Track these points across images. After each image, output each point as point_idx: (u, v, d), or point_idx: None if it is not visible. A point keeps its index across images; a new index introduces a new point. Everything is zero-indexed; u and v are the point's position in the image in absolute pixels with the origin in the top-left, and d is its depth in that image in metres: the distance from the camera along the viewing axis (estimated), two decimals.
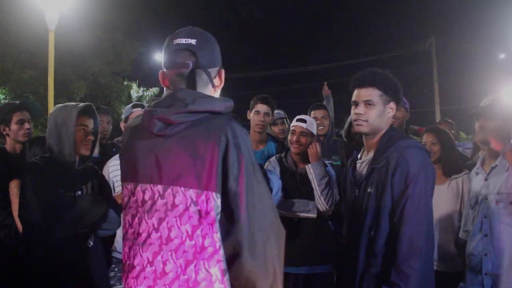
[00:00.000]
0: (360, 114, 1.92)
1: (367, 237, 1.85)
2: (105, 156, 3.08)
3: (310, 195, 2.88)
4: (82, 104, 2.28)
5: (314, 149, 2.91)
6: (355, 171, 2.04)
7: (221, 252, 1.21)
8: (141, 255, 1.26)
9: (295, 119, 3.05)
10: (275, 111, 3.79)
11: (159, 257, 1.23)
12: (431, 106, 18.44)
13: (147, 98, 15.78)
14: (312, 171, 2.85)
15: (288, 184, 2.93)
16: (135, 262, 1.27)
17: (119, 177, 2.71)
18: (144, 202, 1.27)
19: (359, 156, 2.08)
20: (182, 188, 1.21)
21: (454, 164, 2.98)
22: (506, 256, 2.29)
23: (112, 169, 2.80)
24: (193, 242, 1.20)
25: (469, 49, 18.14)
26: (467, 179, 2.91)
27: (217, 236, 1.21)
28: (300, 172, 2.95)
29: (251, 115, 3.36)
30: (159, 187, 1.25)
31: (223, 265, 1.21)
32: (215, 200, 1.21)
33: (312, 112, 3.77)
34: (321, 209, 2.82)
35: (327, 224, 2.95)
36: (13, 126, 2.71)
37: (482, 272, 2.34)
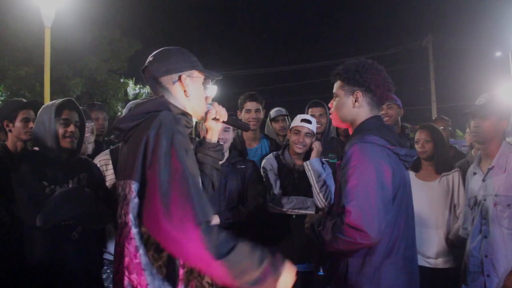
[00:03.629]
0: (329, 107, 2.00)
1: None
2: (98, 153, 3.07)
3: (307, 192, 2.89)
4: (61, 99, 2.37)
5: (317, 147, 2.92)
6: None
7: (133, 231, 1.42)
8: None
9: (298, 119, 3.02)
10: (276, 108, 3.79)
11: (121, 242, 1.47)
12: (427, 103, 18.50)
13: (144, 96, 15.75)
14: (310, 168, 2.86)
15: (285, 182, 2.94)
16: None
17: (107, 172, 2.74)
18: (118, 195, 1.53)
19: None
20: (123, 181, 1.47)
21: (445, 161, 3.01)
22: (506, 258, 2.29)
23: (100, 164, 2.79)
24: (129, 225, 1.44)
25: (466, 47, 18.19)
26: (457, 176, 2.94)
27: (129, 216, 1.42)
28: (298, 169, 2.96)
29: (241, 114, 3.37)
30: (120, 182, 1.51)
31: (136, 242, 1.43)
32: (132, 187, 1.41)
33: (310, 110, 3.77)
34: (320, 206, 2.83)
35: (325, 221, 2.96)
36: (17, 124, 2.72)
37: (484, 274, 2.33)
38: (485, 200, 2.39)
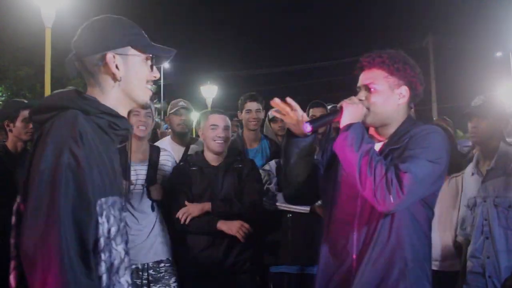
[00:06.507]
0: (361, 99, 1.61)
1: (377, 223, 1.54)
2: None
3: None
4: None
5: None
6: None
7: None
8: None
9: None
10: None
11: None
12: (428, 104, 18.48)
13: None
14: None
15: None
16: None
17: None
18: None
19: None
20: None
21: (455, 162, 2.97)
22: (508, 260, 2.29)
23: None
24: None
25: (466, 47, 18.19)
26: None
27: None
28: None
29: (242, 115, 3.37)
30: None
31: None
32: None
33: (311, 110, 3.77)
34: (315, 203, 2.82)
35: (320, 222, 2.96)
36: (18, 124, 2.72)
37: (486, 275, 2.32)
38: (485, 201, 2.39)
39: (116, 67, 1.25)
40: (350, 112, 1.55)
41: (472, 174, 2.53)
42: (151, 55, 1.30)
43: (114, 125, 1.26)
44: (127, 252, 1.24)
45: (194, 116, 3.68)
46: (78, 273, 1.06)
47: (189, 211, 2.59)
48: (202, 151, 2.80)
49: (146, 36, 1.32)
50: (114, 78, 1.26)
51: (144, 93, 1.32)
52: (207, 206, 2.59)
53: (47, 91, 7.56)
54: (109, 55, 1.24)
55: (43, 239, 1.06)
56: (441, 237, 2.84)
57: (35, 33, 9.64)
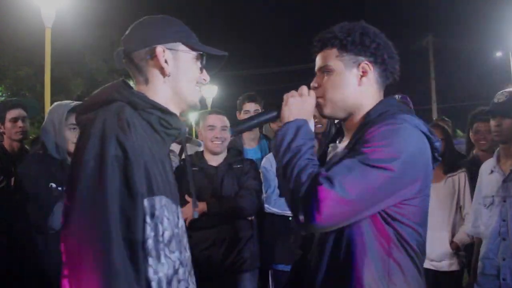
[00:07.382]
0: (314, 87, 1.32)
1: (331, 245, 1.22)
2: None
3: None
4: (74, 102, 2.34)
5: (315, 146, 2.89)
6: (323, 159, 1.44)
7: None
8: None
9: None
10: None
11: None
12: (427, 104, 18.49)
13: None
14: None
15: None
16: None
17: None
18: None
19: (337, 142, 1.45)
20: None
21: (453, 162, 2.98)
22: None
23: None
24: None
25: (466, 47, 18.19)
26: (463, 177, 2.90)
27: None
28: None
29: (240, 115, 3.37)
30: None
31: None
32: None
33: None
34: None
35: None
36: (7, 124, 2.74)
37: (500, 277, 2.25)
38: (504, 201, 2.30)
39: (165, 61, 1.18)
40: (290, 107, 1.26)
41: (491, 172, 2.42)
42: (201, 53, 1.23)
43: (165, 123, 1.15)
44: (182, 263, 1.12)
45: (192, 116, 3.68)
46: (126, 277, 0.96)
47: (186, 216, 2.59)
48: (202, 152, 2.81)
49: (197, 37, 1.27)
50: (163, 73, 1.18)
51: (193, 94, 1.23)
52: (201, 206, 2.59)
53: (47, 91, 7.56)
54: (159, 48, 1.17)
55: (88, 237, 0.96)
56: (438, 237, 2.82)
57: (35, 33, 9.64)
